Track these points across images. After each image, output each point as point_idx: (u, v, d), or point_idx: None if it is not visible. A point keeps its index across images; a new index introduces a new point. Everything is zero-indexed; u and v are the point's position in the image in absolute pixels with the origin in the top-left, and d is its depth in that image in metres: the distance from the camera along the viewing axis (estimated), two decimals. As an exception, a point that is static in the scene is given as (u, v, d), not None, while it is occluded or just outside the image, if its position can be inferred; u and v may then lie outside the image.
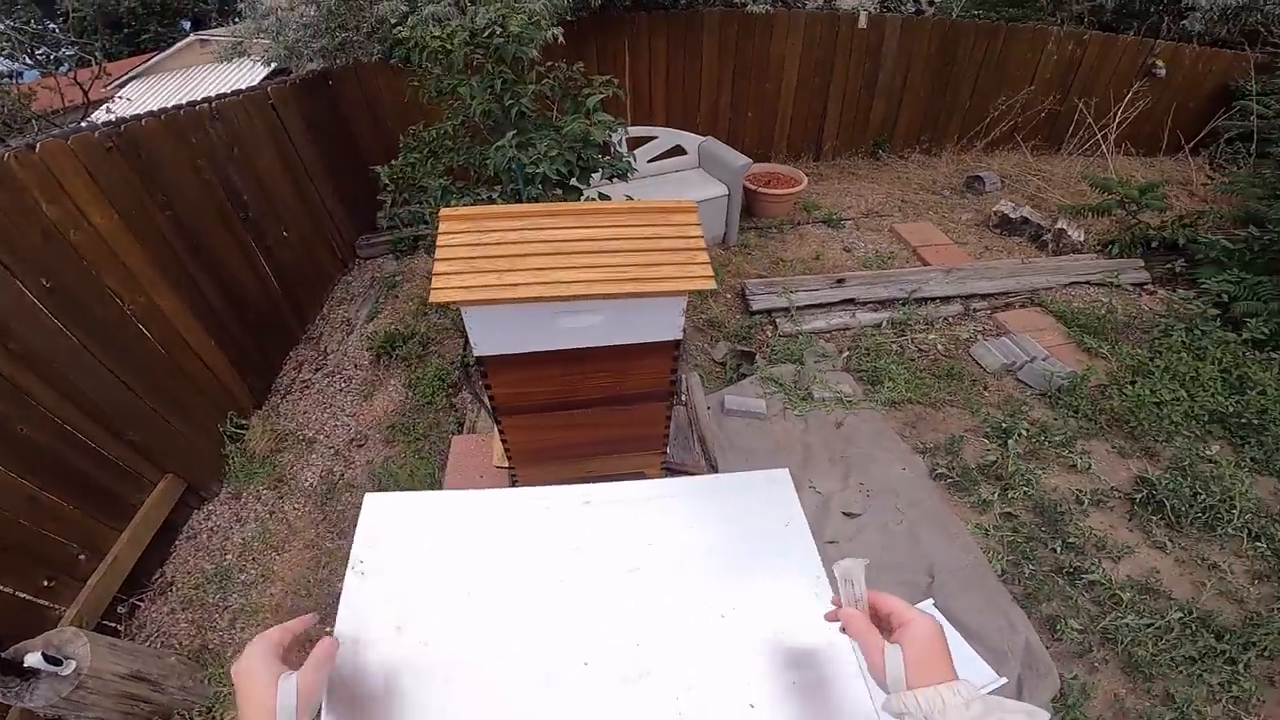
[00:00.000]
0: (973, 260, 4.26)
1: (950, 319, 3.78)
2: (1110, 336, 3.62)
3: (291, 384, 3.48)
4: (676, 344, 1.76)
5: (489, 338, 1.63)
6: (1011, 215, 4.71)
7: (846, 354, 3.43)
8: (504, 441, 2.14)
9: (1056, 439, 2.96)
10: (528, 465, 2.28)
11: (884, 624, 0.72)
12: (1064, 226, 4.48)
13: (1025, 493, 2.72)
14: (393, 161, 2.62)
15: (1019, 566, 2.47)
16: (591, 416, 2.02)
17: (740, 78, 5.15)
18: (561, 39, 2.66)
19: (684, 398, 2.96)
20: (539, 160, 2.36)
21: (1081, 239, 4.46)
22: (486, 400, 1.94)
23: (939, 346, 3.55)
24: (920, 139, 6.02)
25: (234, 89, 3.38)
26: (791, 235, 4.53)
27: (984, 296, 3.90)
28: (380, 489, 2.92)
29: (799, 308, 3.63)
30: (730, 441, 2.83)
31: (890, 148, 5.96)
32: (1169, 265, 4.18)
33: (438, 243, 1.52)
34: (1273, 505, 2.74)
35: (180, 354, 2.70)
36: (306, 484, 2.93)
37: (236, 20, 3.70)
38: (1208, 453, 2.93)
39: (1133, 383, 3.21)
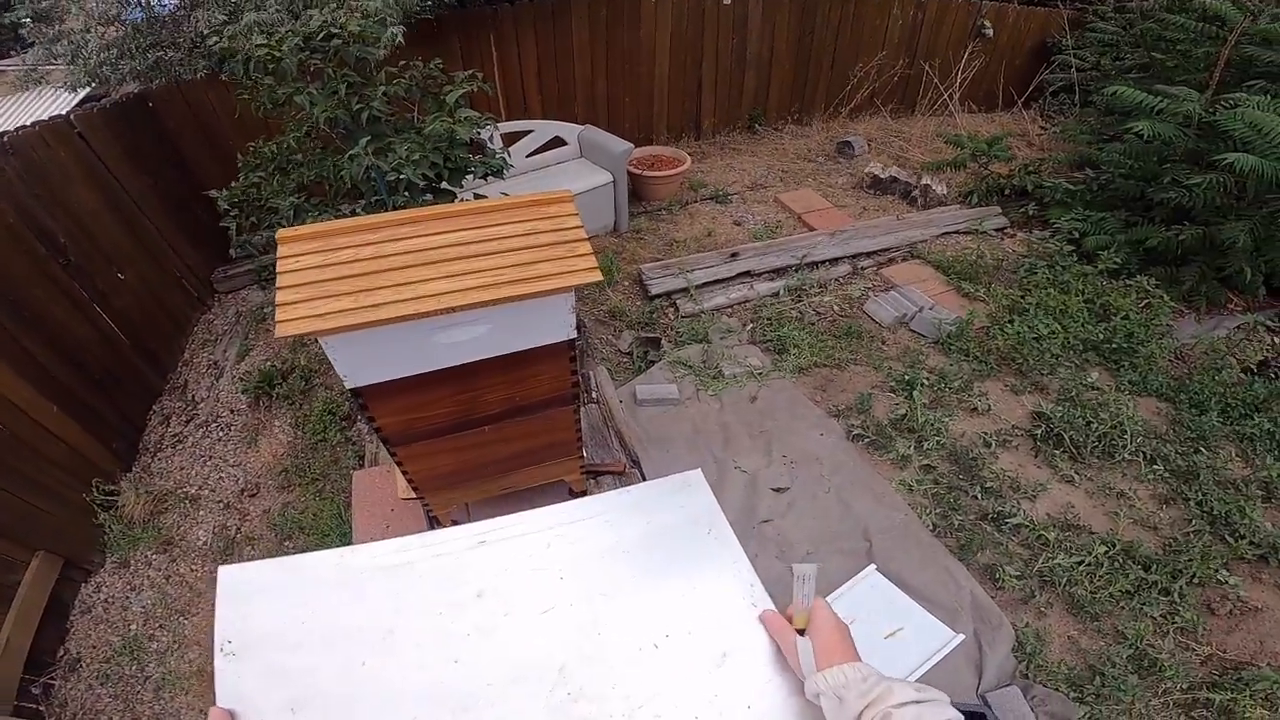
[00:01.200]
0: (853, 221, 4.42)
1: (841, 279, 3.90)
2: (984, 280, 3.86)
3: (161, 440, 3.12)
4: (572, 343, 1.66)
5: (359, 367, 1.46)
6: (881, 175, 4.94)
7: (750, 326, 3.45)
8: (405, 473, 1.97)
9: (955, 384, 3.10)
10: (437, 492, 2.11)
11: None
12: (928, 182, 4.75)
13: (938, 442, 2.82)
14: (232, 183, 2.34)
15: (947, 518, 2.54)
16: (495, 433, 1.89)
17: (614, 63, 5.08)
18: (401, 39, 2.45)
19: (594, 394, 2.87)
20: (401, 165, 2.17)
21: (945, 192, 4.75)
22: (375, 433, 1.77)
23: (835, 307, 3.66)
24: (791, 110, 6.18)
25: (37, 120, 2.92)
26: (682, 215, 4.53)
27: (869, 254, 4.06)
28: (284, 538, 2.71)
29: (698, 286, 3.62)
30: (648, 432, 2.77)
31: (765, 120, 6.09)
32: (1023, 210, 4.52)
33: (278, 268, 1.33)
34: (1159, 425, 2.97)
35: (16, 423, 2.38)
36: (200, 543, 2.71)
37: (21, 49, 3.18)
38: (1089, 380, 3.16)
39: (1011, 321, 3.43)
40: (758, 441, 2.77)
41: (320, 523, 2.68)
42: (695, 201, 4.69)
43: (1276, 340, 3.45)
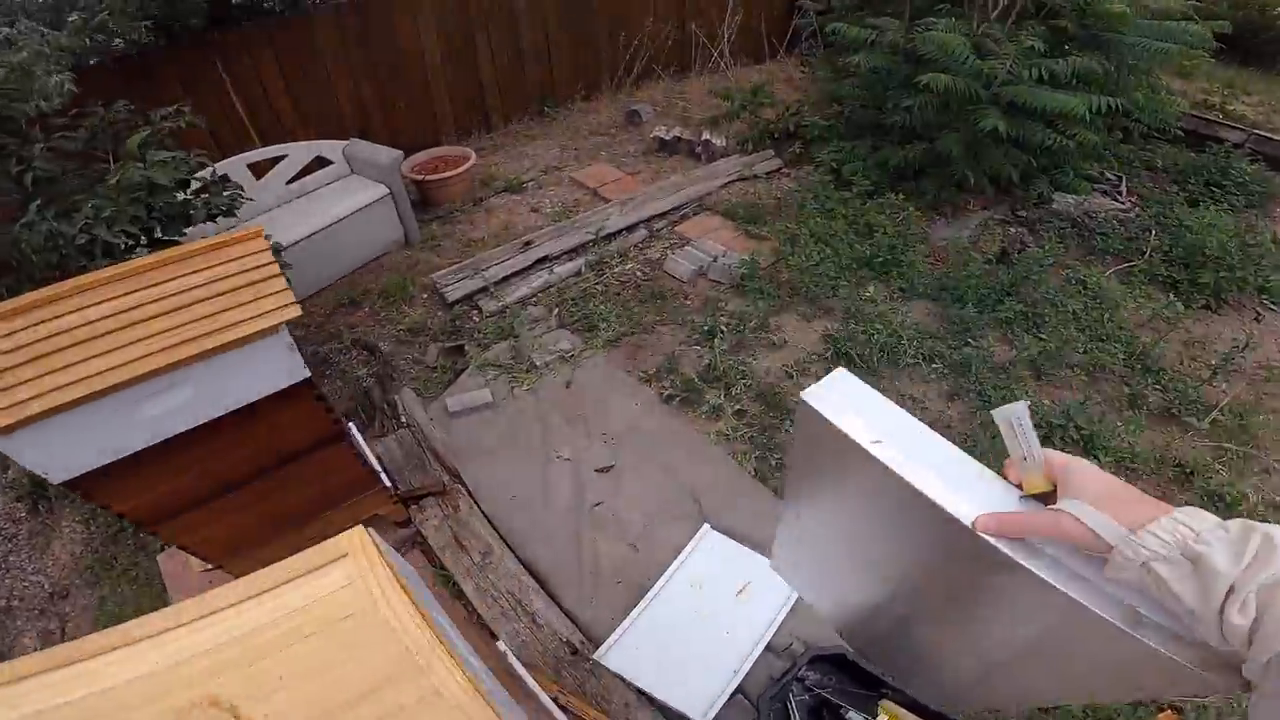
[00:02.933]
0: (645, 187, 4.57)
1: (639, 244, 4.03)
2: (767, 219, 4.14)
3: (-58, 566, 2.76)
4: (308, 383, 1.58)
5: (54, 460, 1.30)
6: (666, 137, 5.13)
7: (556, 311, 3.48)
8: (183, 548, 1.80)
9: (753, 323, 3.31)
10: (234, 559, 1.95)
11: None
12: (708, 137, 5.01)
13: (744, 385, 2.97)
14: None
15: (766, 460, 2.65)
16: (267, 488, 1.77)
17: (378, 73, 4.80)
18: (71, 86, 2.14)
19: (404, 419, 2.77)
20: (90, 225, 1.93)
21: (724, 144, 5.03)
22: (120, 520, 1.59)
23: (638, 273, 3.78)
24: (578, 88, 6.22)
25: None
26: (478, 213, 4.44)
27: (662, 215, 4.22)
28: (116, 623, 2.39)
29: (496, 282, 3.57)
30: (465, 444, 2.72)
31: (555, 103, 6.08)
32: (792, 150, 4.89)
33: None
34: (931, 325, 3.27)
35: None
36: (31, 649, 2.50)
37: None
38: (867, 294, 3.46)
39: (792, 254, 3.72)
40: (576, 427, 2.80)
41: (142, 610, 2.42)
42: (490, 197, 4.61)
43: (1009, 230, 4.00)
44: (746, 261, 3.65)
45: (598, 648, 2.01)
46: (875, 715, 1.79)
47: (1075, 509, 0.52)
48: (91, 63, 3.37)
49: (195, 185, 2.37)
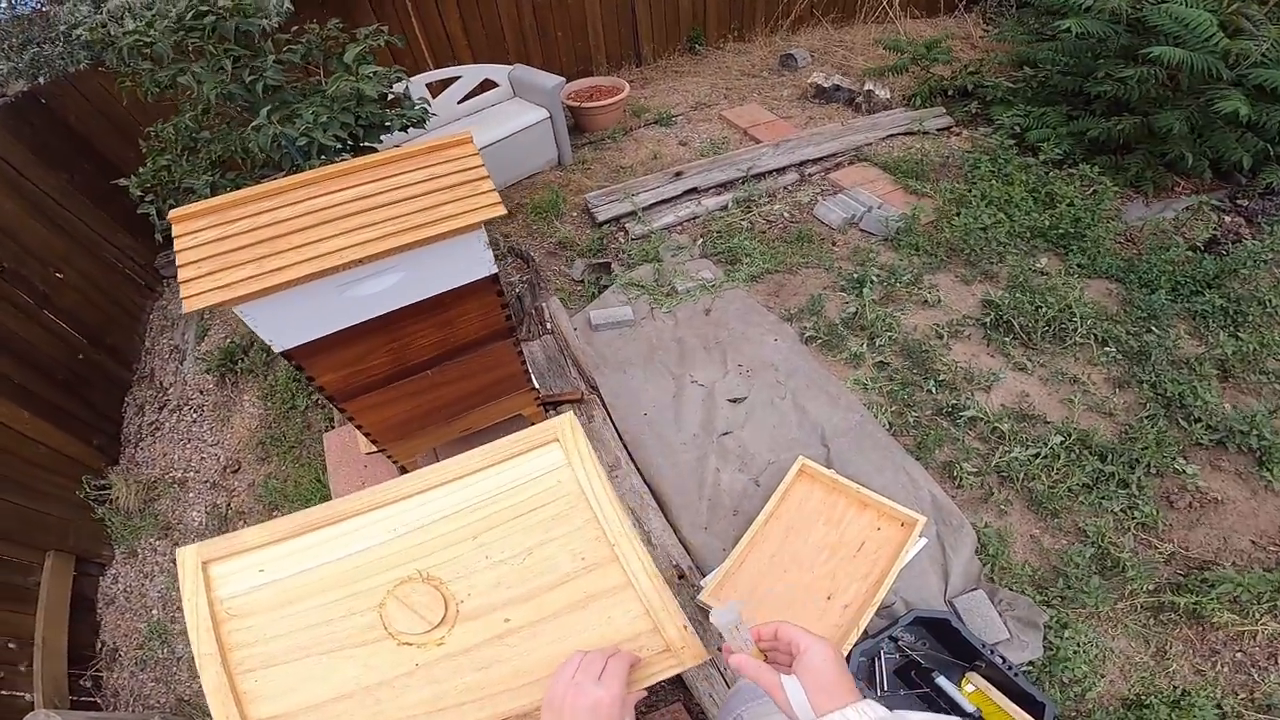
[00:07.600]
0: (799, 131, 4.37)
1: (789, 187, 3.91)
2: (931, 177, 3.87)
3: (140, 430, 3.19)
4: (494, 279, 1.69)
5: (281, 330, 1.50)
6: (825, 84, 4.85)
7: (700, 241, 3.48)
8: (359, 427, 2.03)
9: (905, 279, 3.14)
10: (396, 442, 2.19)
11: (784, 651, 0.72)
12: (871, 87, 4.69)
13: (890, 338, 2.87)
14: (140, 169, 2.30)
15: (903, 416, 2.58)
16: (438, 376, 1.95)
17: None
18: (290, 5, 2.34)
19: (549, 325, 2.92)
20: (309, 130, 2.14)
21: (889, 96, 4.69)
22: (319, 392, 1.82)
23: (785, 214, 3.68)
24: (731, 27, 5.98)
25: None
26: (627, 142, 4.47)
27: (815, 161, 4.04)
28: (271, 508, 2.79)
29: (645, 208, 3.63)
30: (604, 356, 2.83)
31: (705, 41, 5.90)
32: (966, 109, 4.48)
33: (175, 247, 1.35)
34: (1109, 306, 2.98)
35: (-7, 435, 2.46)
36: (195, 524, 2.82)
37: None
38: (1038, 265, 3.19)
39: (958, 214, 3.43)
40: (713, 353, 2.82)
41: (301, 489, 2.76)
42: (639, 127, 4.62)
43: (1224, 219, 3.45)
44: (906, 215, 3.43)
45: (704, 575, 2.09)
46: (961, 685, 1.77)
47: (789, 685, 0.66)
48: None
49: (389, 98, 2.55)
